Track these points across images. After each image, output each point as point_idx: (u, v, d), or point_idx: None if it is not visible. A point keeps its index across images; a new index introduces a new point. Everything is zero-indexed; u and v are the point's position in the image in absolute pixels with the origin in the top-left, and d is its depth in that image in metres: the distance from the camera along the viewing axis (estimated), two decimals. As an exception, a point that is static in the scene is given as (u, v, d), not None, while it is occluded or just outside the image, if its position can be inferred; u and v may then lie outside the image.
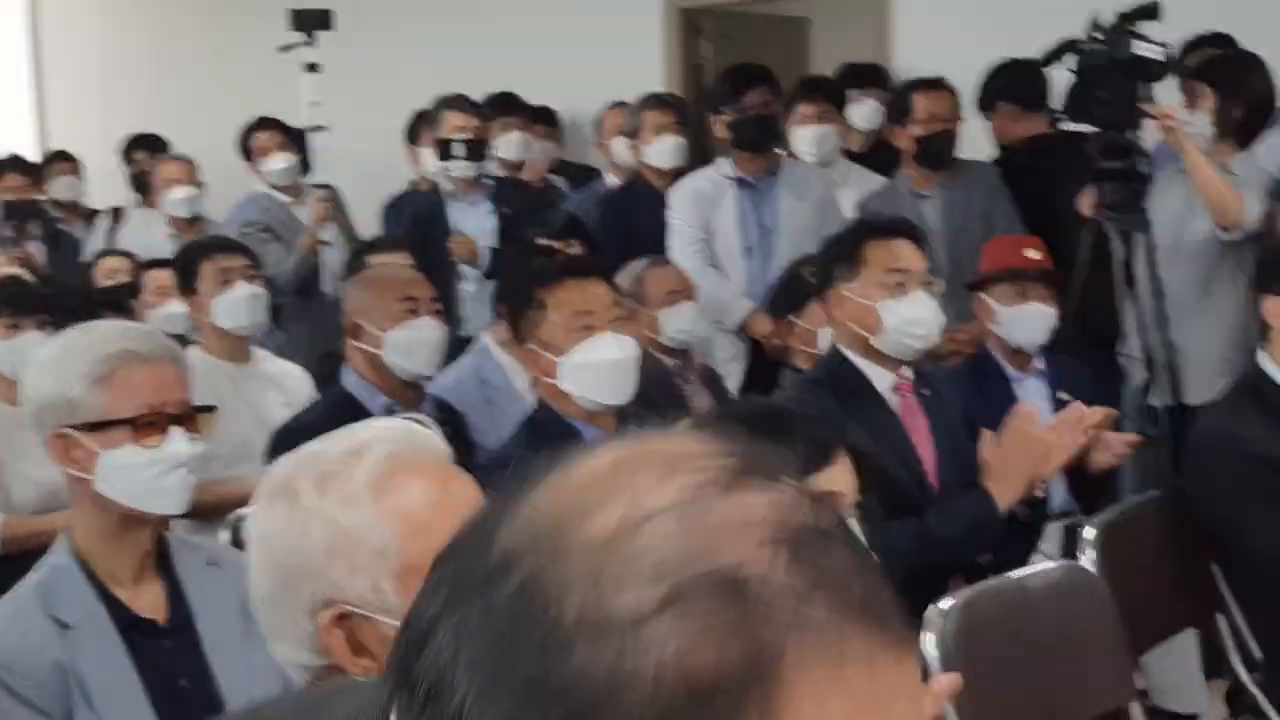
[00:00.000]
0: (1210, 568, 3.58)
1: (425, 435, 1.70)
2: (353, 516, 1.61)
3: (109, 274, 6.23)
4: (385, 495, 1.62)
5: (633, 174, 6.24)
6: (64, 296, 4.94)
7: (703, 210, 5.44)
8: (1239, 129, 4.87)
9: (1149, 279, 4.66)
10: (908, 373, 3.64)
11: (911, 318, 3.56)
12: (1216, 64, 5.12)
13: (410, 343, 4.01)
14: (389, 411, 3.92)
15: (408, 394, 3.99)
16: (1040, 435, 3.39)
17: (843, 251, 3.65)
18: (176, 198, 6.79)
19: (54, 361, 2.45)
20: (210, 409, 2.57)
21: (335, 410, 3.82)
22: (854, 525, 2.19)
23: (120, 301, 5.58)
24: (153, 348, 2.47)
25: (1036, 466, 3.36)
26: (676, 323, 4.68)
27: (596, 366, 3.29)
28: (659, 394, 4.36)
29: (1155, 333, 4.67)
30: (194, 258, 4.83)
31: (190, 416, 2.51)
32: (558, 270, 3.46)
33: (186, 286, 4.79)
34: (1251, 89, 4.91)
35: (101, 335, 2.47)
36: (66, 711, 2.31)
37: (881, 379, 3.60)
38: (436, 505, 1.63)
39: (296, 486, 1.64)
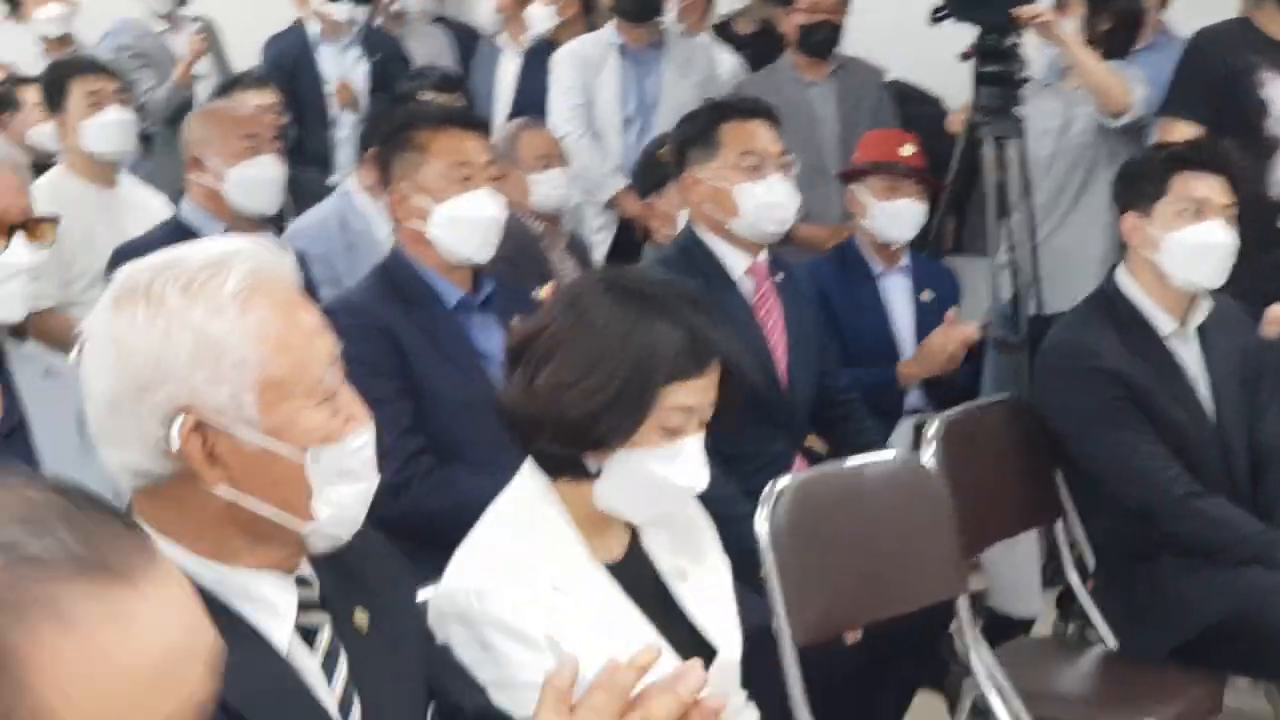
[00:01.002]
0: (1053, 475, 3.61)
1: (281, 258, 1.66)
2: (219, 325, 1.57)
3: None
4: (249, 309, 1.59)
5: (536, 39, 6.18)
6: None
7: (586, 76, 5.36)
8: (1106, 41, 4.91)
9: (1020, 188, 4.69)
10: (763, 258, 3.62)
11: (768, 201, 3.54)
12: None
13: (251, 180, 4.01)
14: (228, 237, 3.89)
15: (246, 226, 3.95)
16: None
17: (697, 133, 3.60)
18: (49, 15, 6.54)
19: None
20: (54, 219, 2.50)
21: (171, 236, 3.76)
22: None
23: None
24: None
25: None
26: (545, 188, 4.62)
27: (471, 221, 3.18)
28: (522, 258, 4.32)
29: (1025, 242, 4.70)
30: (63, 77, 4.72)
31: (32, 224, 2.44)
32: (440, 116, 3.36)
33: (54, 106, 4.68)
34: (1119, 3, 4.95)
35: None
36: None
37: (737, 263, 3.58)
38: (293, 328, 1.61)
39: (159, 290, 1.57)
